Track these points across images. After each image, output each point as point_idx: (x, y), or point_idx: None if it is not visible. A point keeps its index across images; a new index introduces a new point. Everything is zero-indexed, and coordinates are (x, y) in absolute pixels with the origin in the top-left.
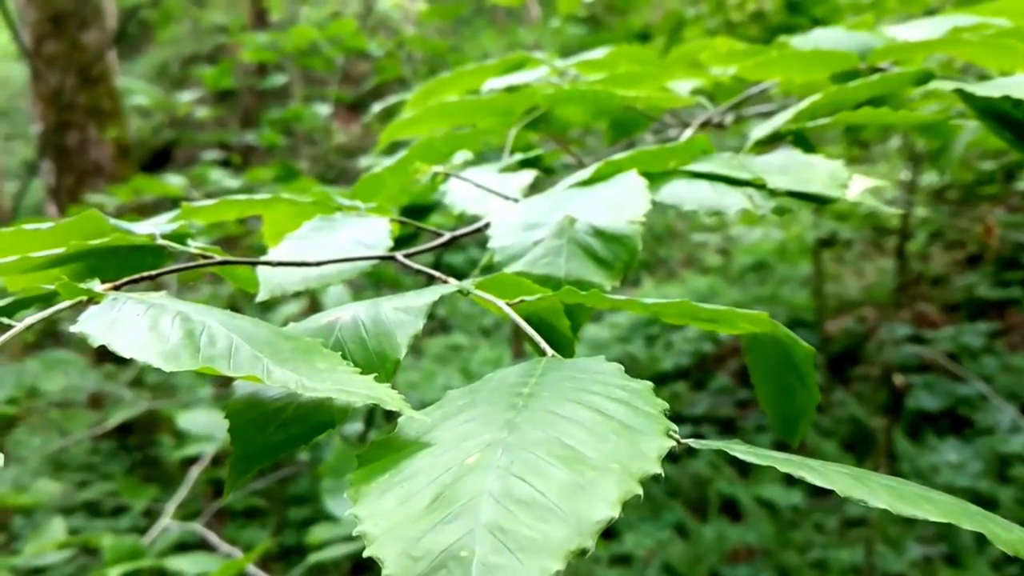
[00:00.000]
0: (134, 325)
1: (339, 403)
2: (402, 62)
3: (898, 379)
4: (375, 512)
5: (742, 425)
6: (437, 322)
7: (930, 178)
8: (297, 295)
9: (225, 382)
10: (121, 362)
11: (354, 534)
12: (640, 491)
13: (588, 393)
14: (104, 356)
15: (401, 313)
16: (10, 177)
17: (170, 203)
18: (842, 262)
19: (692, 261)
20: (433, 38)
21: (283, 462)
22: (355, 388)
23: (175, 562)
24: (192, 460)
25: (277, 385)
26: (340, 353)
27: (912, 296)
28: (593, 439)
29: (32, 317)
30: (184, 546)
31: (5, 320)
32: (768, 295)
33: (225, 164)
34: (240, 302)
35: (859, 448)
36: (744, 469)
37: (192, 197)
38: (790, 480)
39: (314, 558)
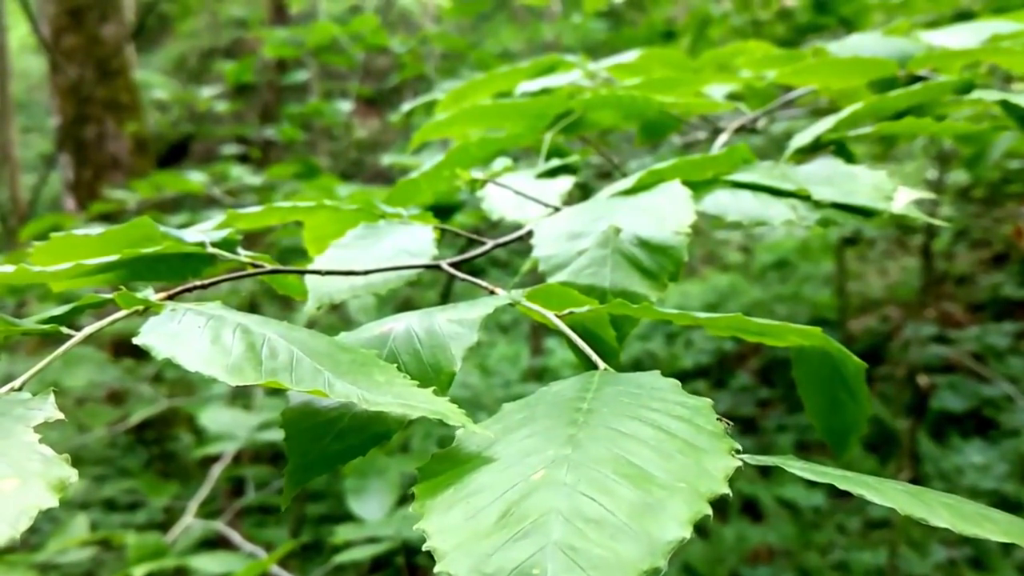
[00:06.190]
0: (196, 338)
1: (395, 414)
2: (423, 58)
3: (922, 379)
4: (443, 527)
5: (763, 424)
6: None
7: (956, 176)
8: None
9: None
10: (140, 358)
11: (424, 549)
12: (710, 511)
13: (648, 410)
14: (122, 351)
15: (455, 325)
16: (28, 170)
17: (192, 199)
18: (865, 260)
19: (713, 258)
20: (453, 34)
21: None
22: (416, 402)
23: (200, 561)
24: (210, 457)
25: (339, 398)
26: (395, 365)
27: (937, 295)
28: (658, 457)
29: (90, 327)
30: (203, 544)
31: (65, 329)
32: (790, 293)
33: (243, 159)
34: (258, 300)
35: (883, 449)
36: (765, 469)
37: (213, 194)
38: (811, 481)
39: (339, 558)
